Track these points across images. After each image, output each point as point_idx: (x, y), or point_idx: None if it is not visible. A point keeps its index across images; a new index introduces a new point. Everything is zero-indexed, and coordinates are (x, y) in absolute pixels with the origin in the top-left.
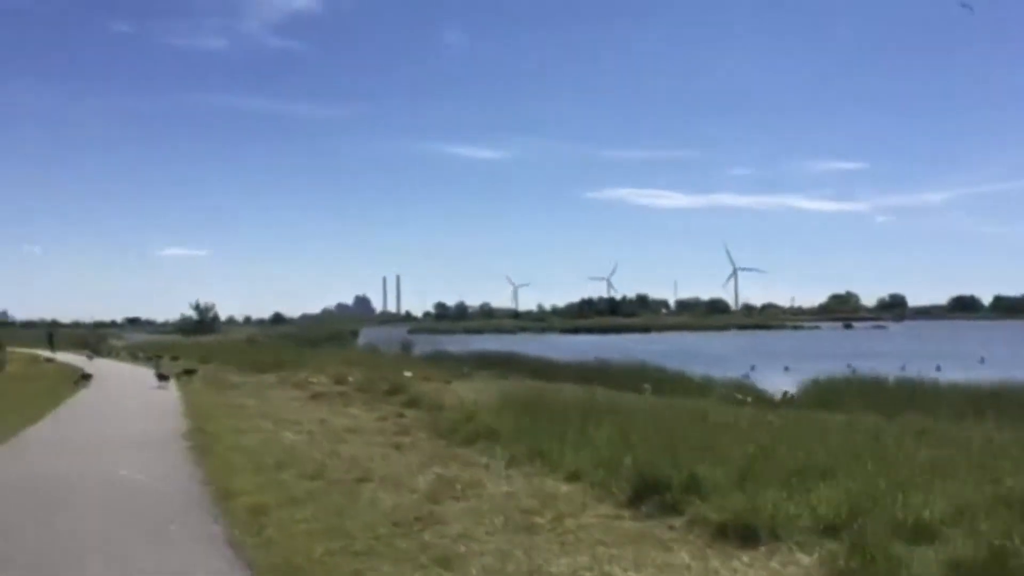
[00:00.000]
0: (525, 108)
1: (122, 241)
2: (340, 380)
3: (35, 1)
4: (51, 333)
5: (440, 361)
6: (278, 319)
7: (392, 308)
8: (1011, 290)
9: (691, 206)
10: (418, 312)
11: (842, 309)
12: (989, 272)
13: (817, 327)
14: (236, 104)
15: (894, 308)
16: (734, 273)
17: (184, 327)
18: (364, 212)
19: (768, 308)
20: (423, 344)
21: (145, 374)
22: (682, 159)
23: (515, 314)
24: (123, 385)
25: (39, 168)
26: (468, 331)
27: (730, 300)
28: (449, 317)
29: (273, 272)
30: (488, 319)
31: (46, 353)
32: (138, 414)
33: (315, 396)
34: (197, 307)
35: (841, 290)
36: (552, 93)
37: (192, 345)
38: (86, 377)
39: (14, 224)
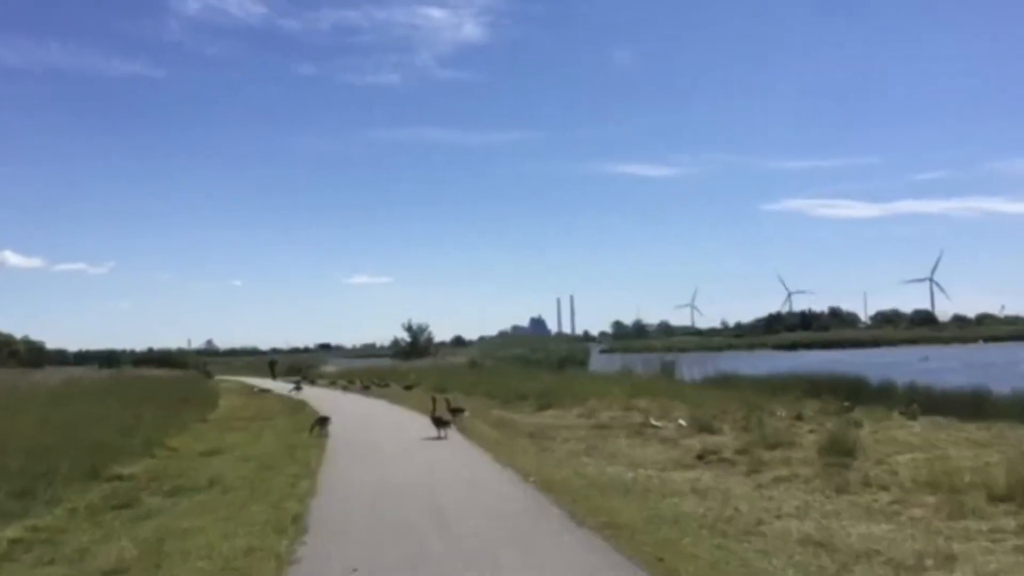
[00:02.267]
0: (694, 123)
1: (312, 272)
2: (663, 417)
3: (228, 51)
4: (273, 361)
5: (755, 388)
6: (459, 342)
7: (567, 329)
8: None
9: (874, 215)
10: (594, 332)
11: None
12: None
13: None
14: (411, 137)
15: None
16: (930, 283)
17: (397, 350)
18: (536, 235)
19: (984, 319)
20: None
21: (383, 411)
22: (861, 166)
23: (697, 331)
24: (380, 434)
25: (239, 206)
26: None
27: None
28: (627, 336)
29: (451, 297)
30: (668, 337)
31: (257, 383)
32: (504, 528)
33: (701, 457)
34: (410, 328)
35: None
36: (721, 107)
37: (410, 370)
38: (323, 422)
39: (220, 261)
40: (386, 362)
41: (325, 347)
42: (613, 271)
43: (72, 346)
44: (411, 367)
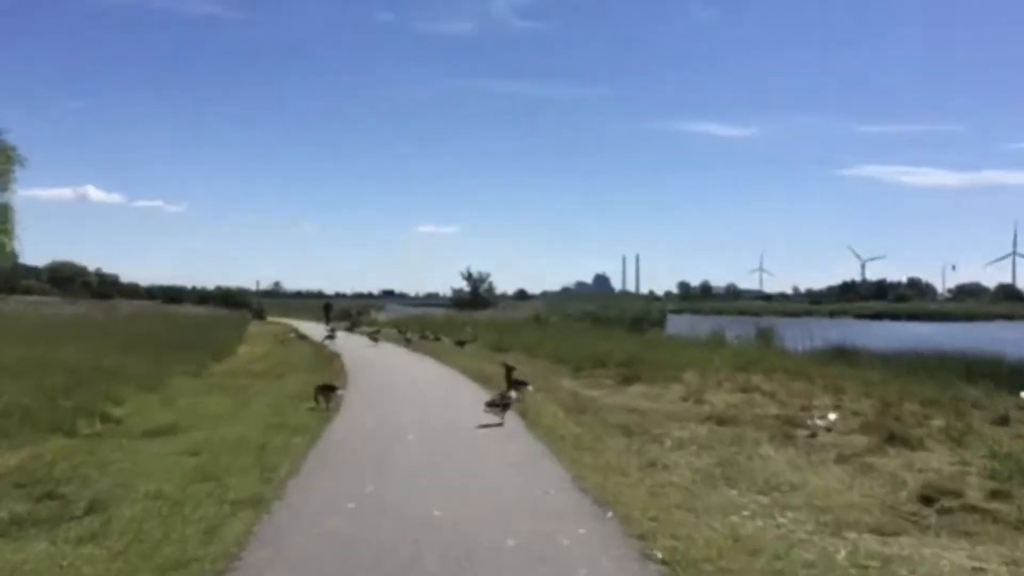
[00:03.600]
0: (773, 83)
1: (382, 219)
2: (809, 409)
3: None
4: (328, 305)
5: (891, 367)
6: (522, 295)
7: (631, 288)
8: None
9: (957, 184)
10: (659, 292)
11: None
12: None
13: None
14: (485, 87)
15: None
16: (1014, 255)
17: (457, 300)
18: (605, 191)
19: None
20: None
21: (425, 372)
22: (946, 133)
23: (766, 297)
24: (408, 413)
25: (314, 152)
26: (726, 312)
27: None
28: (693, 297)
29: (516, 250)
30: (735, 300)
31: (305, 327)
32: None
33: (929, 501)
34: (469, 276)
35: None
36: (803, 65)
37: (467, 322)
38: (327, 391)
39: (293, 204)
40: (441, 311)
41: (389, 294)
42: (680, 231)
43: (146, 281)
44: (468, 319)
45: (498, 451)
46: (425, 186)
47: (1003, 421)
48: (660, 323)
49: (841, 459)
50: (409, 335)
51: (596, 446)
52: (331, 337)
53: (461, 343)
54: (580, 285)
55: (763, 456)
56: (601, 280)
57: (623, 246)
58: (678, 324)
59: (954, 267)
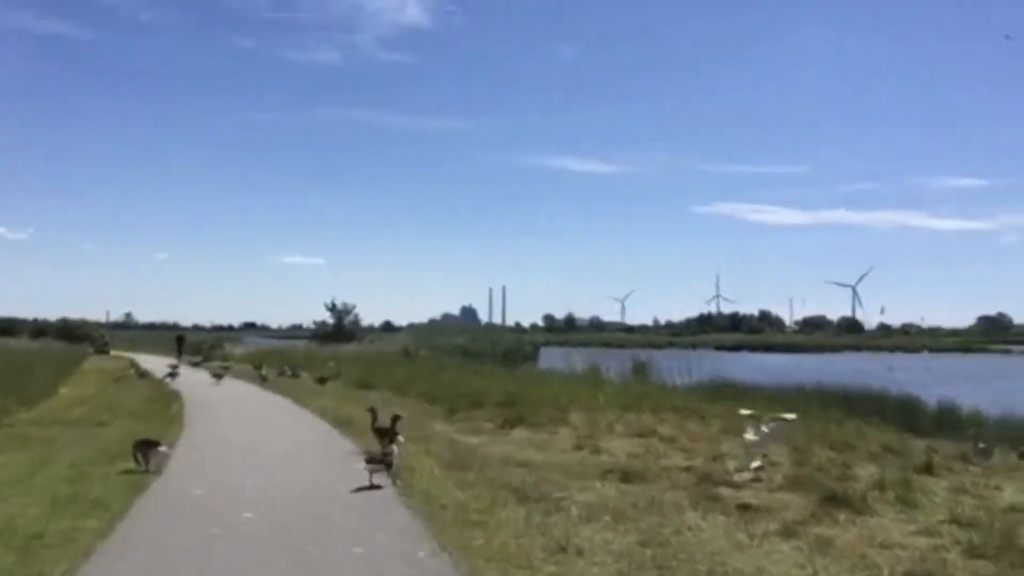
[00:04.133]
0: (634, 122)
1: (242, 249)
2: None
3: (163, 17)
4: (180, 337)
5: (771, 401)
6: (388, 327)
7: (497, 319)
8: None
9: (804, 223)
10: (525, 323)
11: (1000, 332)
12: None
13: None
14: (350, 117)
15: None
16: (855, 291)
17: (320, 333)
18: (471, 224)
19: (909, 328)
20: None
21: (278, 419)
22: (794, 175)
23: (628, 328)
24: (251, 477)
25: (166, 178)
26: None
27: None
28: (558, 330)
29: (382, 282)
30: (598, 332)
31: (153, 361)
32: None
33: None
34: (333, 307)
35: (986, 311)
36: (660, 106)
37: (330, 356)
38: (145, 449)
39: (145, 232)
40: (303, 344)
41: (250, 326)
42: (545, 264)
43: None
44: (332, 353)
45: (366, 535)
46: (289, 216)
47: (927, 468)
48: (533, 356)
49: (787, 531)
50: (264, 371)
51: (487, 519)
52: (173, 375)
53: (323, 380)
54: (447, 317)
55: (692, 528)
56: (468, 312)
57: (489, 278)
58: (551, 358)
59: (804, 301)
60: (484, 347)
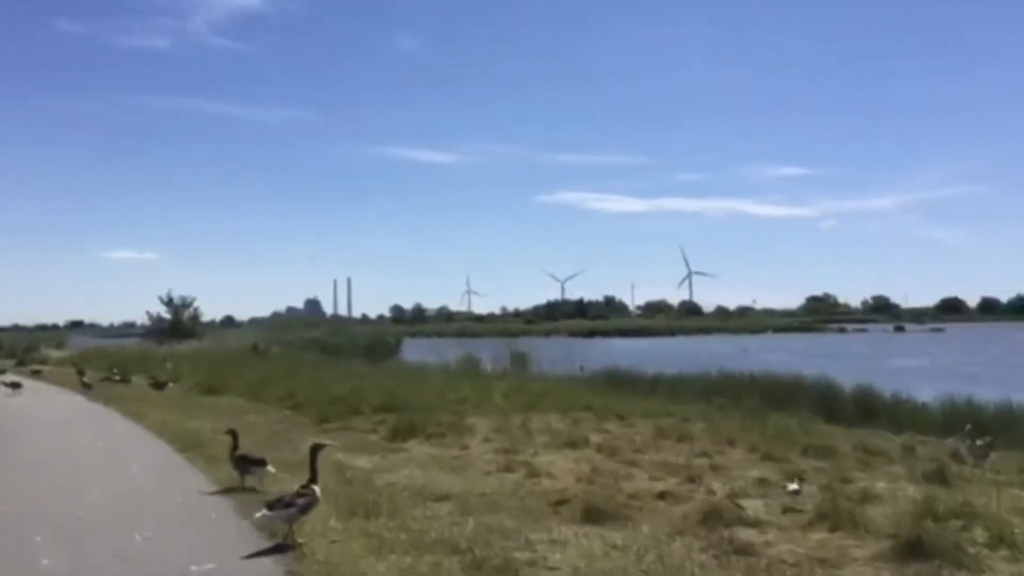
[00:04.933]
0: (476, 112)
1: (66, 243)
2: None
3: None
4: None
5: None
6: (229, 322)
7: (343, 311)
8: (958, 293)
9: (642, 210)
10: (372, 315)
11: (828, 312)
12: (937, 276)
13: (864, 330)
14: (182, 106)
15: (884, 311)
16: (688, 276)
17: (155, 330)
18: (314, 215)
19: (745, 311)
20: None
21: (102, 441)
22: (632, 164)
23: (478, 317)
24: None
25: None
26: (445, 335)
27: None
28: (405, 320)
29: (221, 276)
30: (448, 322)
31: None
32: None
33: None
34: (170, 301)
35: (813, 292)
36: (502, 97)
37: (167, 356)
38: None
39: None
40: (134, 343)
41: (77, 324)
42: (391, 255)
43: None
44: (169, 352)
45: None
46: (118, 208)
47: (940, 477)
48: (396, 349)
49: None
50: (87, 377)
51: None
52: None
53: (159, 385)
54: (291, 310)
55: None
56: (312, 304)
57: (337, 270)
58: (415, 350)
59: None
60: (343, 341)
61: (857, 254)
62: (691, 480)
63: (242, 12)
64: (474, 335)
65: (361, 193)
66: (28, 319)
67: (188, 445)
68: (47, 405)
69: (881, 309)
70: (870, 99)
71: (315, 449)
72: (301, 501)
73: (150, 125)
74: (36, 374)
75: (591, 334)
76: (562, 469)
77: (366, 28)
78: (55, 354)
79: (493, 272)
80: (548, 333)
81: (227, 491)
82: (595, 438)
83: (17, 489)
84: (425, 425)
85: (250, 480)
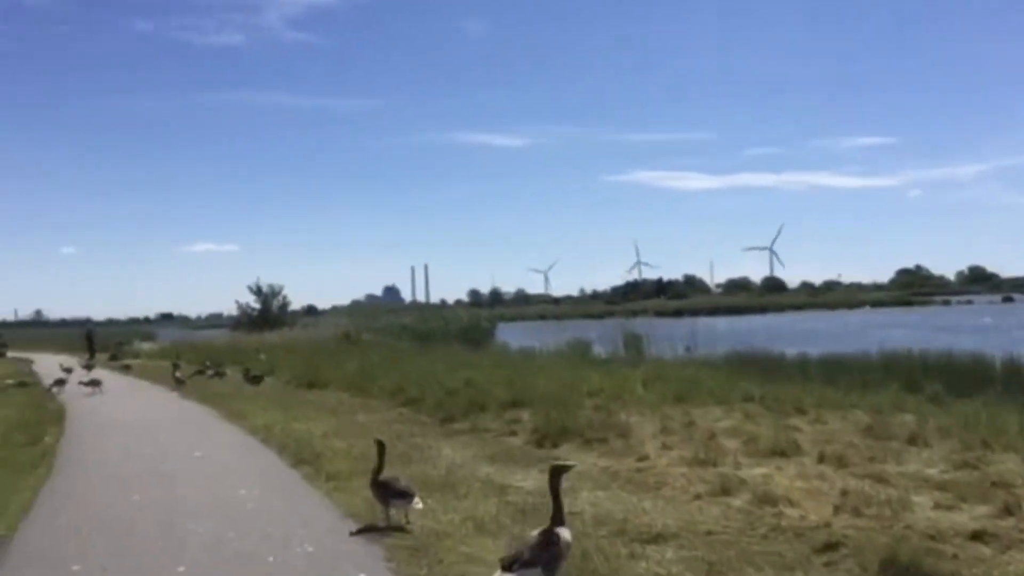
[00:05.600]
0: (544, 95)
1: (152, 239)
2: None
3: (54, 1)
4: (90, 332)
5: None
6: (311, 311)
7: (421, 297)
8: None
9: (716, 187)
10: (450, 300)
11: (921, 284)
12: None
13: (969, 301)
14: (258, 100)
15: (982, 281)
16: (770, 252)
17: (244, 320)
18: (389, 203)
19: (832, 286)
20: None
21: (223, 456)
22: (703, 140)
23: (555, 300)
24: None
25: (68, 170)
26: (528, 318)
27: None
28: (483, 304)
29: (300, 267)
30: (525, 305)
31: (52, 363)
32: None
33: None
34: (259, 290)
35: (900, 265)
36: (569, 79)
37: (259, 347)
38: None
39: (49, 228)
40: (222, 334)
41: (167, 317)
42: (466, 240)
43: None
44: (260, 342)
45: None
46: (199, 203)
47: None
48: (491, 334)
49: None
50: (180, 372)
51: None
52: (59, 384)
53: (255, 379)
54: (370, 298)
55: None
56: (391, 291)
57: (414, 256)
58: (509, 334)
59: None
60: (435, 326)
61: (944, 224)
62: (1007, 511)
63: (313, 5)
64: (557, 318)
65: (435, 179)
66: (121, 313)
67: (301, 457)
68: (142, 404)
69: (979, 279)
70: (950, 64)
71: (557, 473)
72: (547, 555)
73: (227, 120)
74: (126, 369)
75: (678, 313)
76: (799, 491)
77: (433, 14)
78: (146, 347)
79: (567, 254)
80: (634, 313)
81: (371, 531)
82: (802, 441)
83: (111, 515)
84: (575, 426)
85: (393, 514)
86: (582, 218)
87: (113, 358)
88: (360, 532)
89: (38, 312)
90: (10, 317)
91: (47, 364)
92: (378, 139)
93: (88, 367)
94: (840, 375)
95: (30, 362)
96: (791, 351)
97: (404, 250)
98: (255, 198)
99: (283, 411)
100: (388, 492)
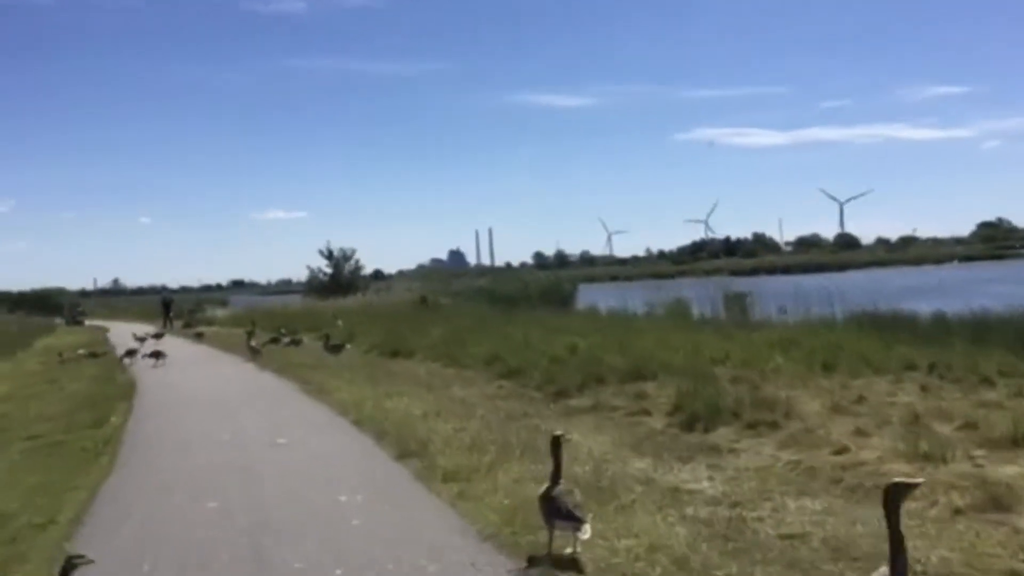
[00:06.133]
0: (607, 53)
1: (223, 207)
2: None
3: None
4: (167, 300)
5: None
6: (378, 276)
7: (486, 261)
8: None
9: (784, 143)
10: (515, 263)
11: (1005, 238)
12: None
13: None
14: (322, 67)
15: None
16: (840, 207)
17: (315, 285)
18: (453, 166)
19: (909, 241)
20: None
21: (316, 446)
22: (771, 95)
23: (620, 261)
24: None
25: (142, 141)
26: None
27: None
28: (549, 266)
29: (366, 232)
30: (591, 267)
31: (130, 331)
32: None
33: None
34: (330, 255)
35: (981, 218)
36: (632, 36)
37: (334, 313)
38: None
39: (127, 199)
40: (296, 299)
41: (239, 284)
42: (530, 202)
43: None
44: (335, 308)
45: None
46: (267, 170)
47: None
48: (574, 297)
49: None
50: (255, 341)
51: None
52: (130, 355)
53: (335, 348)
54: (436, 262)
55: None
56: (456, 256)
57: (477, 220)
58: (590, 296)
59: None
60: (515, 289)
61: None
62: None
63: None
64: (628, 278)
65: (498, 142)
66: (195, 281)
67: (406, 446)
68: (210, 377)
69: None
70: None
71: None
72: None
73: (292, 88)
74: (199, 337)
75: (754, 272)
76: None
77: None
78: (220, 313)
79: (634, 214)
80: (707, 273)
81: (534, 564)
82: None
83: (181, 516)
84: (724, 403)
85: (557, 536)
86: (648, 177)
87: (187, 326)
88: (519, 571)
89: (116, 281)
90: (89, 286)
91: (122, 332)
92: (442, 102)
93: (157, 336)
94: (991, 336)
95: (106, 330)
96: (906, 309)
97: (468, 214)
98: (323, 165)
99: (371, 385)
100: (553, 510)
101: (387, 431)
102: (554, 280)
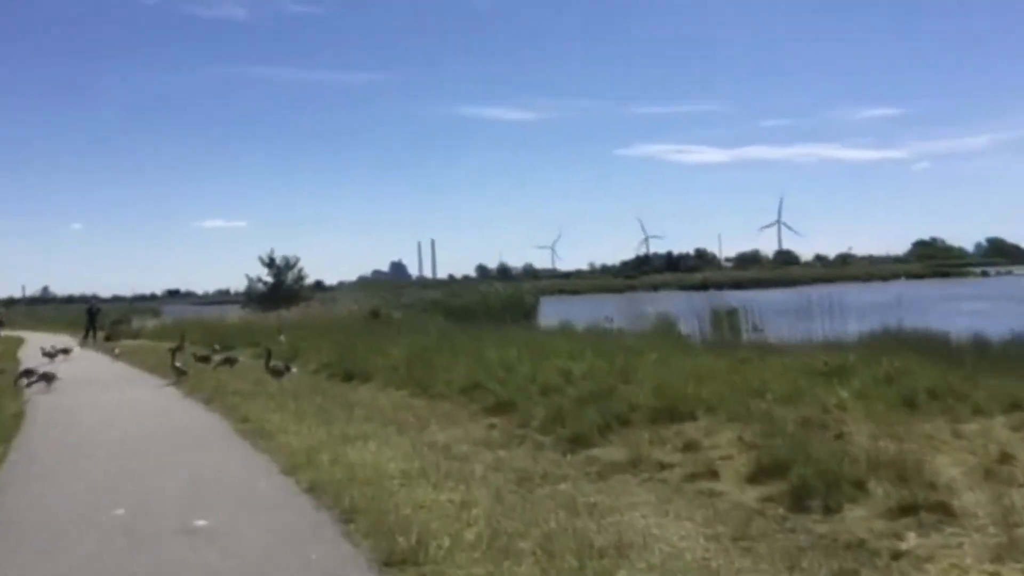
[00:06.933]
0: (550, 68)
1: (159, 215)
2: None
3: None
4: (93, 309)
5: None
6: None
7: (428, 273)
8: None
9: (723, 160)
10: (458, 275)
11: (942, 257)
12: None
13: (1009, 272)
14: (263, 74)
15: (1005, 254)
16: (778, 223)
17: (255, 295)
18: (395, 178)
19: (846, 259)
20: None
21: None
22: (713, 114)
23: (564, 275)
24: None
25: (75, 146)
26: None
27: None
28: (492, 279)
29: (307, 241)
30: (534, 280)
31: (42, 342)
32: None
33: None
34: (271, 262)
35: (912, 237)
36: (575, 52)
37: (276, 326)
38: None
39: (55, 204)
40: (234, 310)
41: (174, 293)
42: (472, 215)
43: None
44: (275, 320)
45: None
46: (206, 178)
47: None
48: (535, 310)
49: None
50: (179, 361)
51: None
52: (29, 373)
53: (279, 371)
54: (377, 273)
55: None
56: (398, 267)
57: (420, 231)
58: (549, 310)
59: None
60: (473, 301)
61: (954, 196)
62: None
63: None
64: (572, 292)
65: (441, 154)
66: (128, 290)
67: (389, 542)
68: (121, 408)
69: (1001, 252)
70: (959, 33)
71: None
72: None
73: (233, 95)
74: (117, 356)
75: (703, 287)
76: None
77: None
78: (150, 324)
79: (574, 228)
80: (654, 287)
81: None
82: None
83: None
84: (847, 467)
85: None
86: (589, 193)
87: (108, 339)
88: None
89: (45, 289)
90: (17, 294)
91: (40, 344)
92: (384, 113)
93: (66, 351)
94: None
95: (21, 341)
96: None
97: (410, 225)
98: (264, 174)
99: (325, 424)
100: None
101: (356, 506)
102: (515, 292)
